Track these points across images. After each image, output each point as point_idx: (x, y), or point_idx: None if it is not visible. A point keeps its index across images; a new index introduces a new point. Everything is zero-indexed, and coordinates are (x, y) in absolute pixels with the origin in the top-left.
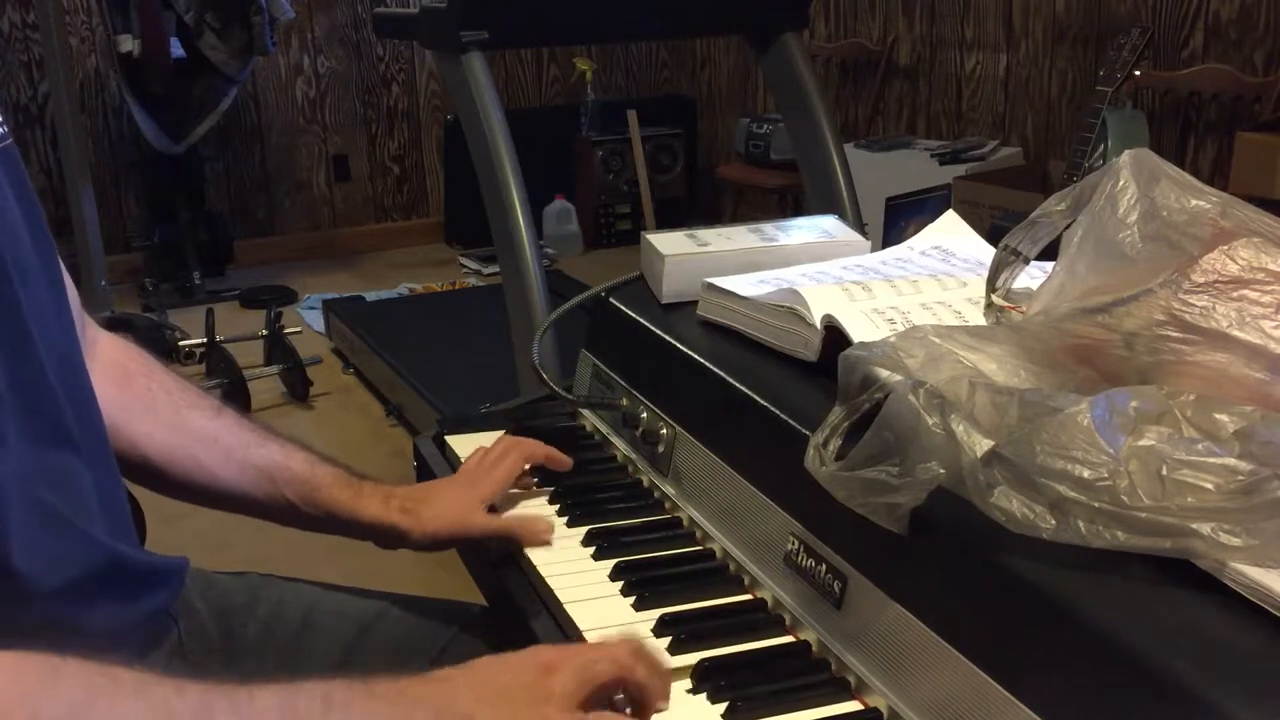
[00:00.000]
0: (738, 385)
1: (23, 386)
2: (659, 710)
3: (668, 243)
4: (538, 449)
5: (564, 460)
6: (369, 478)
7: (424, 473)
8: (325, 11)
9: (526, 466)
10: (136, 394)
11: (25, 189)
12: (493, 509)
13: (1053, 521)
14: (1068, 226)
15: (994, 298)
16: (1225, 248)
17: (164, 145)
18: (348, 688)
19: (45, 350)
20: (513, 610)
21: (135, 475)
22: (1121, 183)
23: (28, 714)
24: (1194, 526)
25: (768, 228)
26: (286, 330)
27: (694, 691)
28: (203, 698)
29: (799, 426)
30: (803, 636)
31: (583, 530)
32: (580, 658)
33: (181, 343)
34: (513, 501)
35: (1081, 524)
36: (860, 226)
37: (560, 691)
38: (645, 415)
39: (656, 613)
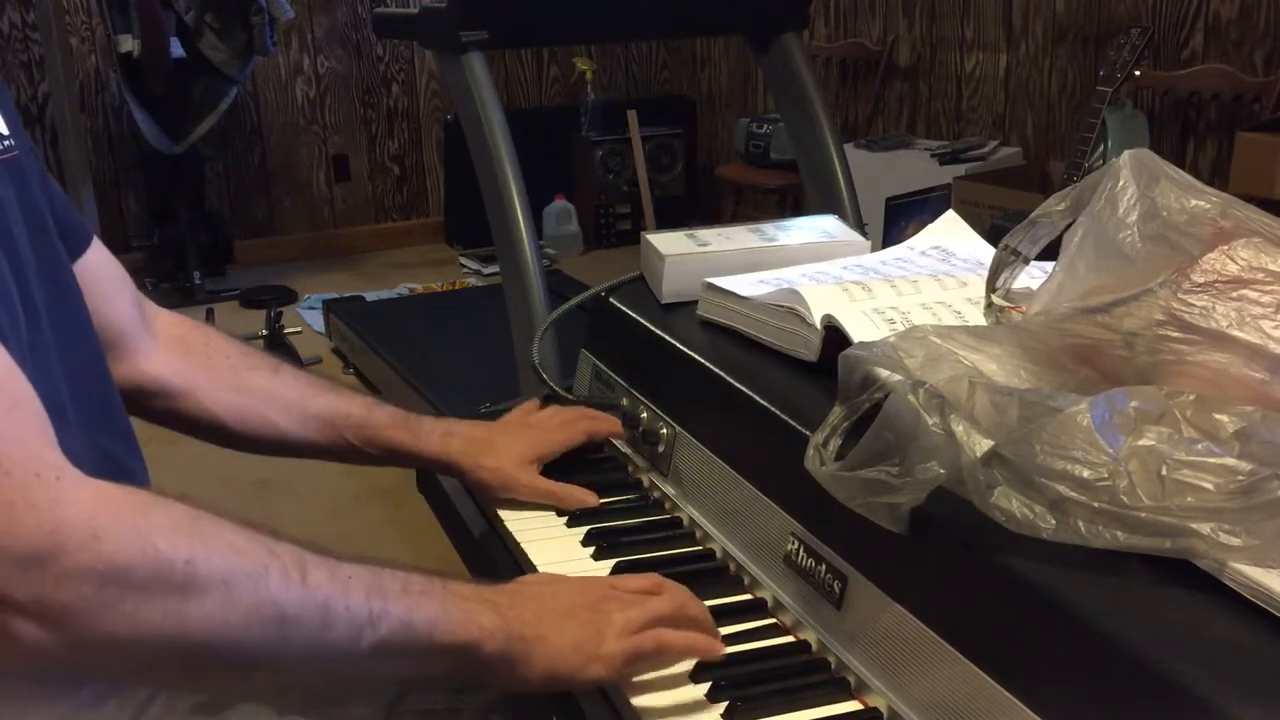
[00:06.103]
0: (738, 385)
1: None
2: (713, 653)
3: (668, 243)
4: (603, 427)
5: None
6: (426, 415)
7: (424, 472)
8: (325, 11)
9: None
10: (197, 362)
11: (32, 203)
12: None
13: (1053, 521)
14: (1068, 226)
15: (994, 298)
16: (1225, 248)
17: (164, 145)
18: (426, 579)
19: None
20: None
21: (210, 436)
22: (1121, 183)
23: (141, 519)
24: (1194, 526)
25: (768, 228)
26: (286, 330)
27: (693, 691)
28: (296, 548)
29: (799, 426)
30: (803, 636)
31: (583, 530)
32: (640, 591)
33: None
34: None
35: (1081, 524)
36: (860, 226)
37: (620, 619)
38: (645, 415)
39: None
